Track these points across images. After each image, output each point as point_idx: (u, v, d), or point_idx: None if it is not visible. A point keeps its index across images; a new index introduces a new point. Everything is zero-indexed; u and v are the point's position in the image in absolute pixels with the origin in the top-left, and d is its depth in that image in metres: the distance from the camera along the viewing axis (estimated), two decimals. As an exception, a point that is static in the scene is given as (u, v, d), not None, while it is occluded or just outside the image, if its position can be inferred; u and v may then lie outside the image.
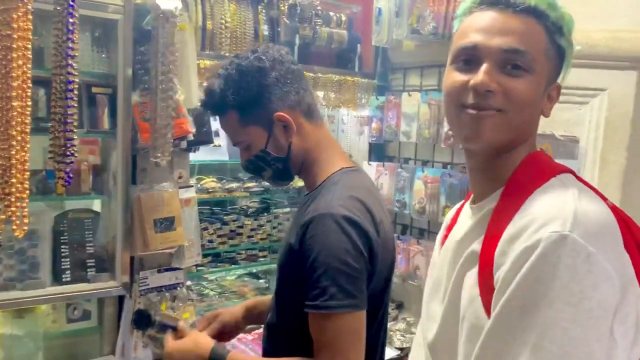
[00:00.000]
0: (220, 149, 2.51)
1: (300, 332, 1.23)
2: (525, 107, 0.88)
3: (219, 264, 2.59)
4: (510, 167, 0.92)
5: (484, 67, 0.87)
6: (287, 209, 2.79)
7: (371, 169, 2.70)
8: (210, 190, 2.51)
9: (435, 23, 2.27)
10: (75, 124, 1.43)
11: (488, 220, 0.89)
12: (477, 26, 0.90)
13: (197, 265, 2.48)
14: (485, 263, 0.85)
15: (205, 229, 2.48)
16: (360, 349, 1.18)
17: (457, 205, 1.15)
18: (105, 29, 2.03)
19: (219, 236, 2.52)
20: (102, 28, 2.03)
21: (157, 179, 2.15)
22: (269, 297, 1.64)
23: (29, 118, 1.22)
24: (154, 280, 2.17)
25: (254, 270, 2.90)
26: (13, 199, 1.18)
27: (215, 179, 2.58)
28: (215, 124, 2.33)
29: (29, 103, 1.20)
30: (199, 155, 2.38)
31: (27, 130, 1.21)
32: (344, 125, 2.99)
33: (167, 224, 2.12)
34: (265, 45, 1.37)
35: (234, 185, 2.58)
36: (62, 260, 1.98)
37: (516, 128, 0.90)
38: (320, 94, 2.65)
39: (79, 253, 2.03)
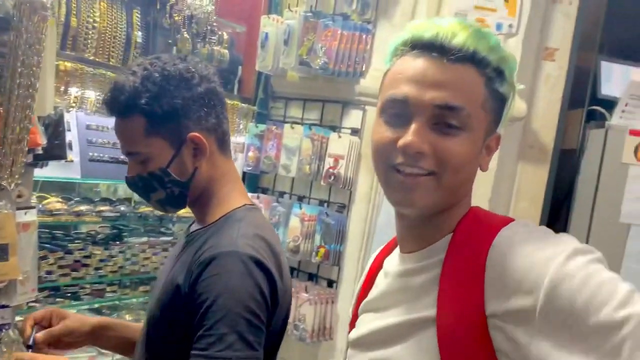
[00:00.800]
0: (72, 165, 2.16)
1: None
2: (460, 168, 0.81)
3: (57, 299, 2.20)
4: (451, 222, 0.85)
5: (413, 126, 0.78)
6: (144, 239, 2.49)
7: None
8: (54, 213, 2.13)
9: (327, 59, 2.21)
10: None
11: (439, 270, 0.82)
12: (408, 75, 0.81)
13: (29, 301, 2.08)
14: (452, 327, 0.77)
15: (45, 257, 2.09)
16: None
17: (371, 260, 1.05)
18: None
19: (60, 267, 2.15)
20: None
21: (-11, 196, 1.76)
22: (126, 325, 1.46)
23: None
24: (-28, 322, 1.75)
25: (96, 306, 2.53)
26: None
27: (61, 199, 2.21)
28: (70, 135, 2.00)
29: None
30: (45, 171, 2.01)
31: None
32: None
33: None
34: (191, 56, 1.23)
35: (84, 208, 2.23)
36: None
37: (451, 190, 0.82)
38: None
39: None
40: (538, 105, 2.68)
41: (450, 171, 0.79)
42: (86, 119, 2.26)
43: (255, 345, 1.03)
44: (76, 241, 2.23)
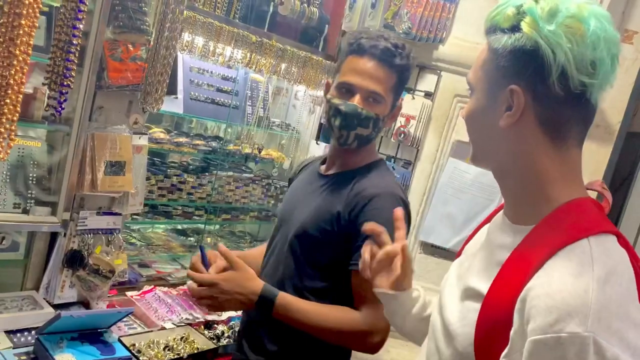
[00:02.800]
0: (176, 101, 2.47)
1: (331, 290, 1.43)
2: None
3: (155, 216, 2.56)
4: (546, 209, 0.84)
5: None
6: (230, 173, 2.80)
7: (319, 148, 2.78)
8: (158, 141, 2.46)
9: (411, 24, 2.38)
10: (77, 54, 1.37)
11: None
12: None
13: (132, 214, 2.44)
14: (492, 311, 0.81)
15: (148, 179, 2.43)
16: None
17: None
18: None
19: (159, 188, 2.49)
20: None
21: (113, 120, 2.09)
22: (246, 255, 1.74)
23: (33, 40, 1.16)
24: (93, 222, 2.12)
25: (185, 227, 2.89)
26: (4, 120, 1.12)
27: (163, 130, 2.54)
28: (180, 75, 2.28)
29: (37, 24, 1.14)
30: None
31: (30, 51, 1.15)
32: (297, 101, 3.03)
33: (118, 167, 2.07)
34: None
35: (182, 139, 2.55)
36: (3, 188, 1.88)
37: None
38: (283, 66, 2.68)
39: (21, 182, 1.93)
40: (609, 85, 2.75)
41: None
42: (190, 62, 2.55)
43: None
44: (173, 168, 2.56)
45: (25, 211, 1.92)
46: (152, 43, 1.98)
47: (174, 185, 2.54)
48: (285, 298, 1.39)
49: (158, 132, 2.50)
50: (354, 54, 1.45)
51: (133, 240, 2.70)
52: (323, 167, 1.60)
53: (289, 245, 1.51)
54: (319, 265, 1.46)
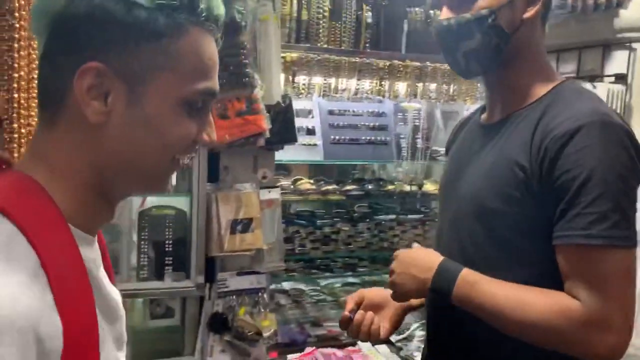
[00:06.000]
0: (315, 148, 2.35)
1: (538, 281, 1.00)
2: None
3: (312, 271, 2.43)
4: None
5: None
6: (393, 216, 2.51)
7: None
8: (304, 192, 2.36)
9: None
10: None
11: None
12: (213, 61, 0.70)
13: (287, 270, 2.36)
14: None
15: (297, 232, 2.33)
16: (633, 297, 0.96)
17: None
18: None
19: (312, 241, 2.36)
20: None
21: (240, 178, 2.07)
22: None
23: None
24: (234, 283, 2.09)
25: (350, 280, 2.67)
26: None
27: (311, 181, 2.43)
28: (298, 121, 2.17)
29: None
30: (291, 155, 2.27)
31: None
32: (466, 122, 2.61)
33: (244, 225, 2.02)
34: None
35: (330, 187, 2.39)
36: (141, 256, 1.99)
37: None
38: (432, 86, 2.34)
39: (158, 250, 2.02)
40: None
41: None
42: (327, 105, 2.43)
43: (633, 224, 0.94)
44: (324, 218, 2.41)
45: (163, 278, 1.99)
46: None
47: (327, 236, 2.38)
48: (474, 275, 1.02)
49: (305, 183, 2.40)
50: None
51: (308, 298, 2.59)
52: (484, 116, 1.19)
53: (464, 230, 1.11)
54: (511, 249, 1.04)
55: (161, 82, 0.66)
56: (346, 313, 1.23)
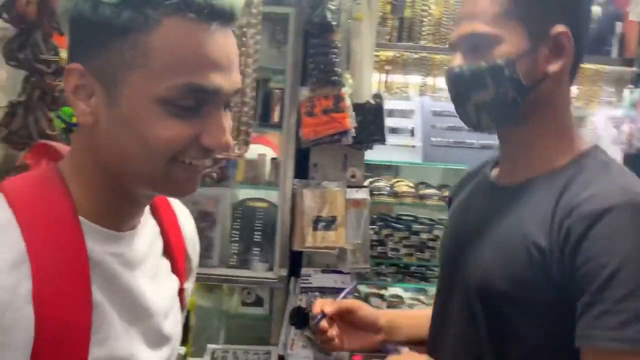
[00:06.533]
0: (414, 149, 2.27)
1: None
2: None
3: (405, 277, 2.34)
4: None
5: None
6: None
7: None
8: (400, 195, 2.29)
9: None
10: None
11: None
12: (209, 52, 0.63)
13: (379, 274, 2.30)
14: None
15: (390, 235, 2.28)
16: None
17: None
18: (284, 24, 2.07)
19: (405, 246, 2.28)
20: (281, 24, 2.08)
21: (329, 176, 2.09)
22: (416, 316, 1.30)
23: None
24: (317, 280, 2.11)
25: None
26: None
27: (410, 183, 2.35)
28: (389, 121, 2.11)
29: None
30: (387, 155, 2.23)
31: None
32: (593, 129, 2.31)
33: (328, 223, 2.03)
34: None
35: (428, 191, 2.29)
36: (232, 244, 2.11)
37: None
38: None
39: (247, 240, 2.12)
40: None
41: None
42: (431, 105, 2.32)
43: None
44: (421, 223, 2.31)
45: (248, 266, 2.08)
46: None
47: (423, 243, 2.28)
48: None
49: (403, 186, 2.33)
50: None
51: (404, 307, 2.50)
52: (496, 171, 1.05)
53: (467, 309, 0.97)
54: (521, 341, 0.91)
55: (133, 80, 0.61)
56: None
